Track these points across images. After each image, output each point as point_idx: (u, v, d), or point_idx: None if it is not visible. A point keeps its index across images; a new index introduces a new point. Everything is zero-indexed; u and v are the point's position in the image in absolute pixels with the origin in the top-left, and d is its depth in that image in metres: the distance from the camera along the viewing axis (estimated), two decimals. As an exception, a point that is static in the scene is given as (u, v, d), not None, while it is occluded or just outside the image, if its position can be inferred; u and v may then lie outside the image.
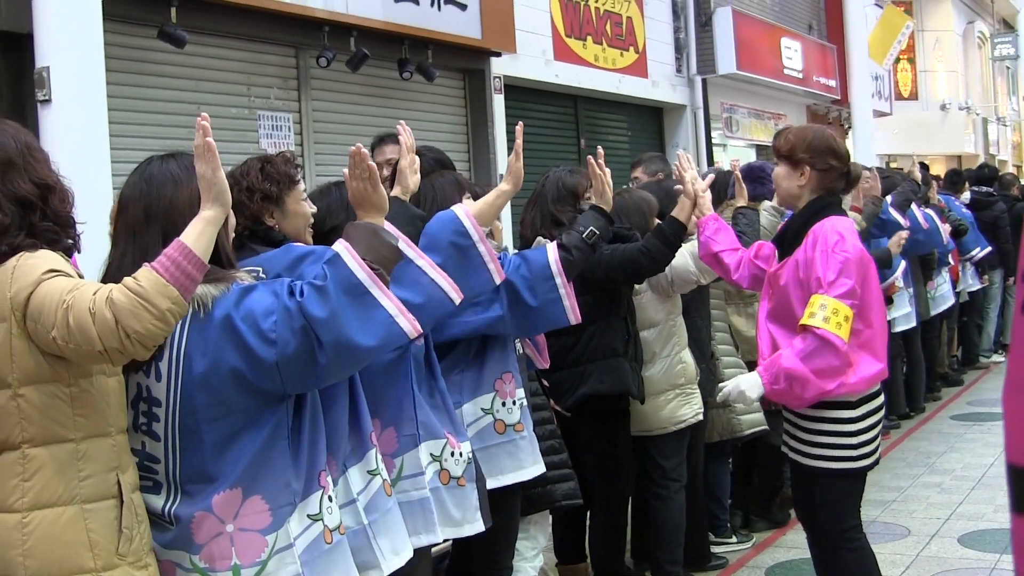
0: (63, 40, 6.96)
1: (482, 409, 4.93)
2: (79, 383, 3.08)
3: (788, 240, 5.11)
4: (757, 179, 7.39)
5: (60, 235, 3.14)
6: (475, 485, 4.50)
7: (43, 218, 3.11)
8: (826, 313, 4.69)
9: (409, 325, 3.33)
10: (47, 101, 6.91)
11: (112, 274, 3.32)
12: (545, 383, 5.75)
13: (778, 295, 5.03)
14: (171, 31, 8.64)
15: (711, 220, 5.53)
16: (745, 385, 4.89)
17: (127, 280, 2.89)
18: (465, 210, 4.46)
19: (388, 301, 3.29)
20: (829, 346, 4.72)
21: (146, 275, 2.89)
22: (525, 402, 5.06)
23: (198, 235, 3.00)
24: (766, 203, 7.03)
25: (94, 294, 2.88)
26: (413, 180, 4.24)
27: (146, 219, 3.41)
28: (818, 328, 4.71)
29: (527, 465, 5.01)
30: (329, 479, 3.62)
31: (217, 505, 3.34)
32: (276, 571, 3.37)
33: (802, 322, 4.78)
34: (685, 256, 6.00)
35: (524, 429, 5.00)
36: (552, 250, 4.93)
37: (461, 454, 4.44)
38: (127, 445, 3.25)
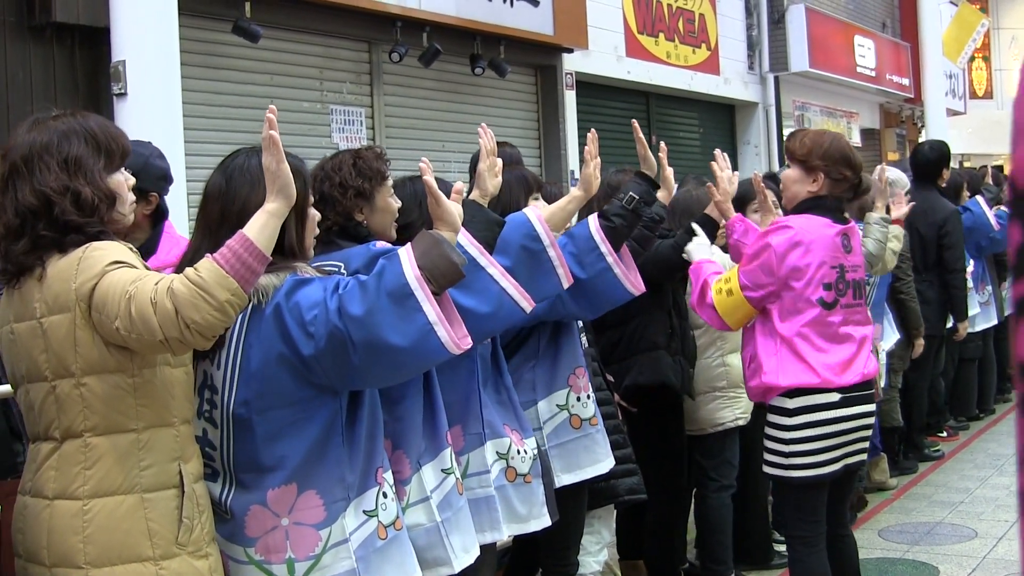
0: (139, 34, 7.05)
1: (557, 405, 4.92)
2: (142, 373, 3.10)
3: None
4: None
5: (64, 241, 3.11)
6: (541, 480, 4.50)
7: (48, 226, 3.12)
8: (725, 279, 5.01)
9: (448, 337, 3.25)
10: (123, 95, 7.00)
11: (184, 267, 3.34)
12: (610, 378, 5.74)
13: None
14: (245, 26, 8.72)
15: (737, 222, 5.37)
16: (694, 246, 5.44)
17: (188, 271, 2.91)
18: (537, 214, 4.43)
19: (431, 309, 3.22)
20: (703, 295, 5.08)
21: (207, 266, 2.91)
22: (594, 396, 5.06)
23: (260, 227, 3.01)
24: (872, 215, 6.97)
25: (156, 284, 2.91)
26: (493, 184, 4.16)
27: (221, 218, 3.44)
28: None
29: (602, 459, 5.01)
30: (387, 475, 3.63)
31: (272, 500, 3.36)
32: (331, 565, 3.39)
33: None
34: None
35: (598, 423, 5.00)
36: (593, 219, 4.85)
37: (527, 451, 4.44)
38: (191, 435, 3.27)
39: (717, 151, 5.78)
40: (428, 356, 3.31)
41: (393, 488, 3.66)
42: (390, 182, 4.16)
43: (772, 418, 4.97)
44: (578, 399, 4.94)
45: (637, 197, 4.91)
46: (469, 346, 3.38)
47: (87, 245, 3.06)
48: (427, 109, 10.98)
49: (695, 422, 6.32)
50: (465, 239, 3.71)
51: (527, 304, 3.91)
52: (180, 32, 7.42)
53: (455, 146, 10.70)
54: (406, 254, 3.28)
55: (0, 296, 3.25)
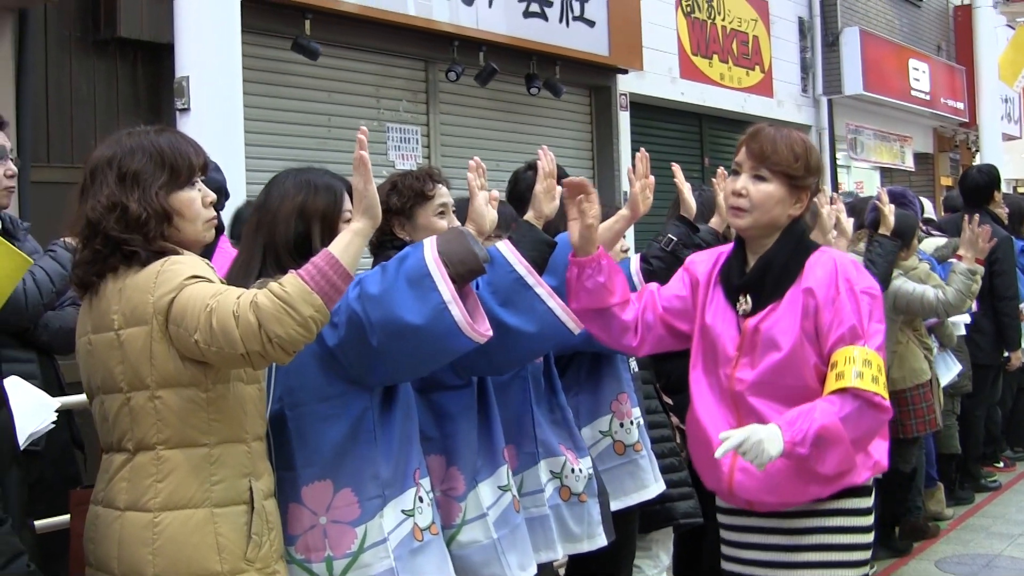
0: (203, 51, 7.11)
1: (600, 432, 4.89)
2: (216, 389, 3.12)
3: (771, 280, 3.79)
4: (900, 205, 7.22)
5: (110, 256, 3.15)
6: (597, 500, 4.50)
7: (102, 241, 3.14)
8: (872, 371, 3.55)
9: (463, 318, 3.26)
10: (186, 110, 7.06)
11: (233, 277, 3.43)
12: (668, 400, 5.72)
13: (766, 356, 3.75)
14: (305, 43, 8.80)
15: (592, 261, 3.91)
16: (764, 435, 3.45)
17: (272, 285, 2.93)
18: None
19: (446, 288, 3.25)
20: (874, 408, 3.56)
21: (292, 281, 2.93)
22: (642, 421, 5.02)
23: (345, 245, 3.03)
24: (960, 264, 6.90)
25: (238, 298, 2.93)
26: (550, 207, 4.19)
27: (256, 229, 3.56)
28: (864, 390, 3.52)
29: (649, 484, 4.97)
30: (424, 481, 3.64)
31: (308, 497, 3.39)
32: (371, 564, 3.41)
33: (842, 385, 3.54)
34: None
35: (643, 448, 4.95)
36: (635, 261, 4.90)
37: (582, 470, 4.44)
38: (264, 452, 3.29)
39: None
40: (444, 338, 3.30)
41: (431, 494, 3.67)
42: (437, 201, 4.21)
43: (845, 503, 3.83)
44: (621, 425, 4.90)
45: (676, 239, 4.98)
46: (489, 337, 3.40)
47: (165, 259, 3.09)
48: (482, 128, 11.01)
49: None
50: (514, 258, 3.72)
51: (575, 325, 3.86)
52: (242, 49, 7.48)
53: (509, 165, 10.67)
54: (428, 242, 3.34)
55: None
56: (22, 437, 3.47)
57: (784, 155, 3.77)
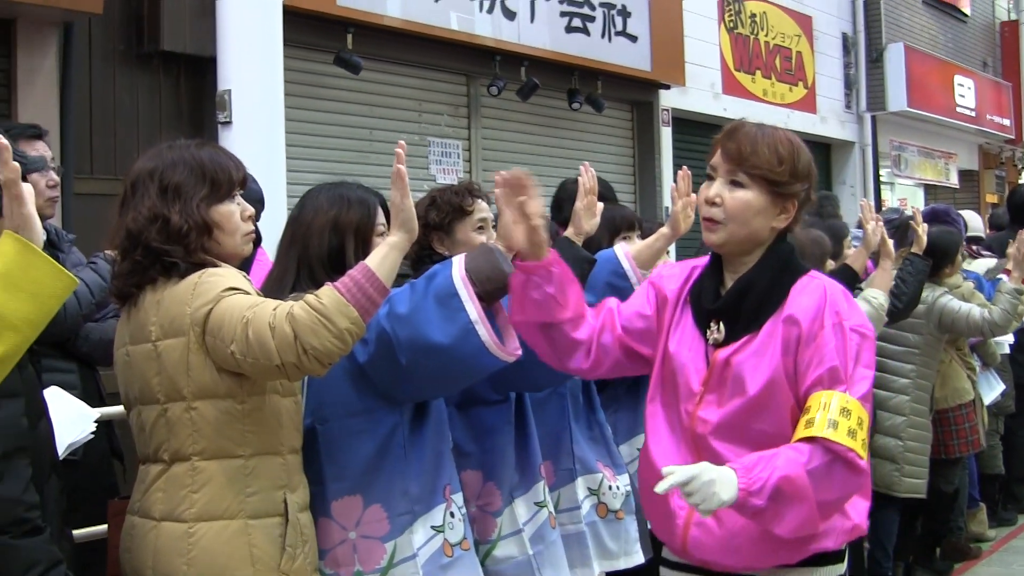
0: (245, 64, 7.15)
1: (638, 449, 4.86)
2: (252, 400, 3.14)
3: (749, 306, 3.21)
4: (942, 223, 7.17)
5: (149, 268, 3.17)
6: (635, 517, 4.47)
7: (142, 252, 3.16)
8: (850, 423, 2.97)
9: (489, 338, 3.27)
10: (227, 123, 7.10)
11: (269, 289, 3.45)
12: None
13: (736, 395, 3.18)
14: (347, 57, 8.83)
15: (540, 268, 3.30)
16: (716, 476, 2.89)
17: (308, 297, 2.94)
18: (625, 251, 4.42)
19: (473, 308, 3.25)
20: (848, 468, 2.98)
21: (328, 294, 2.93)
22: None
23: (382, 259, 3.03)
24: (1007, 283, 6.85)
25: (274, 310, 2.94)
26: (590, 224, 4.19)
27: (290, 243, 3.59)
28: (837, 443, 2.94)
29: None
30: (456, 497, 3.64)
31: (337, 511, 3.41)
32: None
33: (811, 433, 2.96)
34: None
35: None
36: (622, 246, 4.85)
37: (619, 487, 4.42)
38: (299, 465, 3.30)
39: (862, 200, 5.53)
40: (472, 358, 3.31)
41: (463, 510, 3.67)
42: (476, 216, 4.21)
43: (824, 573, 3.31)
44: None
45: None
46: (518, 356, 3.40)
47: (203, 271, 3.11)
48: (524, 143, 11.01)
49: None
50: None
51: None
52: (284, 63, 7.51)
53: (550, 180, 10.66)
54: (457, 260, 3.34)
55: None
56: (61, 447, 3.49)
57: (765, 157, 3.14)
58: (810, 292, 3.16)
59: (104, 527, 3.77)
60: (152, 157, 3.26)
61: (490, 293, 3.35)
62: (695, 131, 13.36)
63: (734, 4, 13.99)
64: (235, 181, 3.29)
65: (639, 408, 4.77)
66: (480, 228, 4.21)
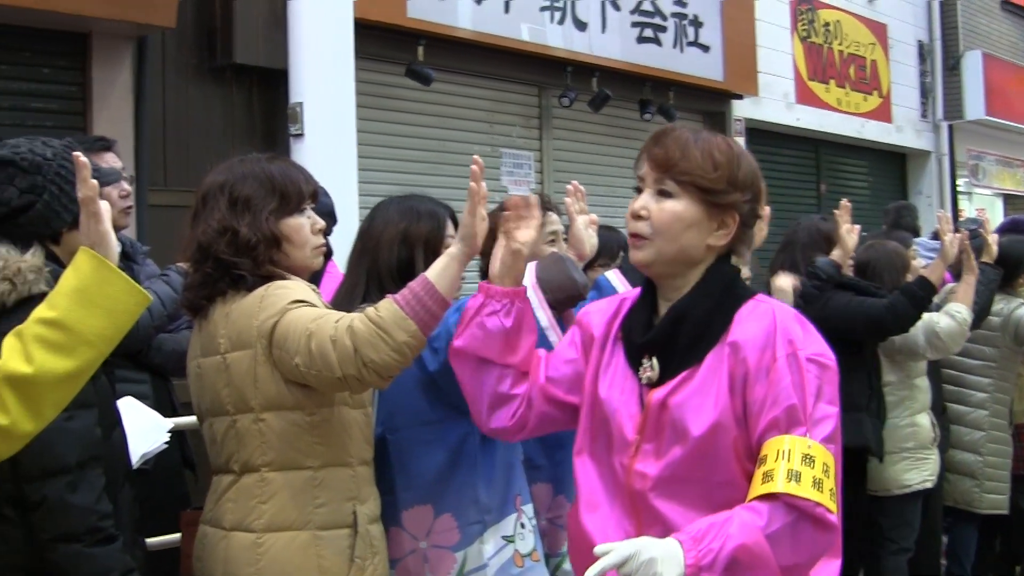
0: (317, 77, 7.19)
1: None
2: (320, 412, 3.15)
3: (686, 338, 2.75)
4: (1020, 232, 7.06)
5: (219, 280, 3.20)
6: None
7: (213, 264, 3.19)
8: (814, 472, 2.54)
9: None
10: (299, 135, 7.14)
11: (339, 303, 3.47)
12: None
13: (676, 443, 2.70)
14: (418, 69, 8.85)
15: (504, 295, 2.97)
16: (658, 552, 2.47)
17: (368, 310, 2.95)
18: None
19: (543, 315, 3.30)
20: (816, 525, 2.55)
21: (387, 307, 2.94)
22: None
23: (441, 270, 3.02)
24: None
25: (336, 322, 2.96)
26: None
27: (360, 255, 3.62)
28: (801, 498, 2.51)
29: None
30: (526, 507, 3.64)
31: (408, 521, 3.43)
32: None
33: (770, 489, 2.53)
34: (917, 327, 5.81)
35: None
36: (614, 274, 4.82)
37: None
38: (370, 477, 3.31)
39: (940, 212, 5.49)
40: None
41: (533, 521, 3.67)
42: (547, 229, 4.20)
43: None
44: None
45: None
46: None
47: (270, 283, 3.13)
48: (595, 154, 10.99)
49: (879, 482, 6.13)
50: (621, 286, 3.79)
51: None
52: (356, 75, 7.54)
53: (623, 191, 10.68)
54: (529, 268, 3.35)
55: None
56: (135, 457, 3.52)
57: (696, 161, 2.72)
58: (757, 317, 2.70)
59: (176, 536, 3.81)
60: (223, 171, 3.29)
61: (560, 302, 3.35)
62: (768, 141, 13.29)
63: (807, 13, 13.89)
64: (305, 194, 3.31)
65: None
66: (551, 240, 4.19)
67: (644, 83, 11.03)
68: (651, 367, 2.75)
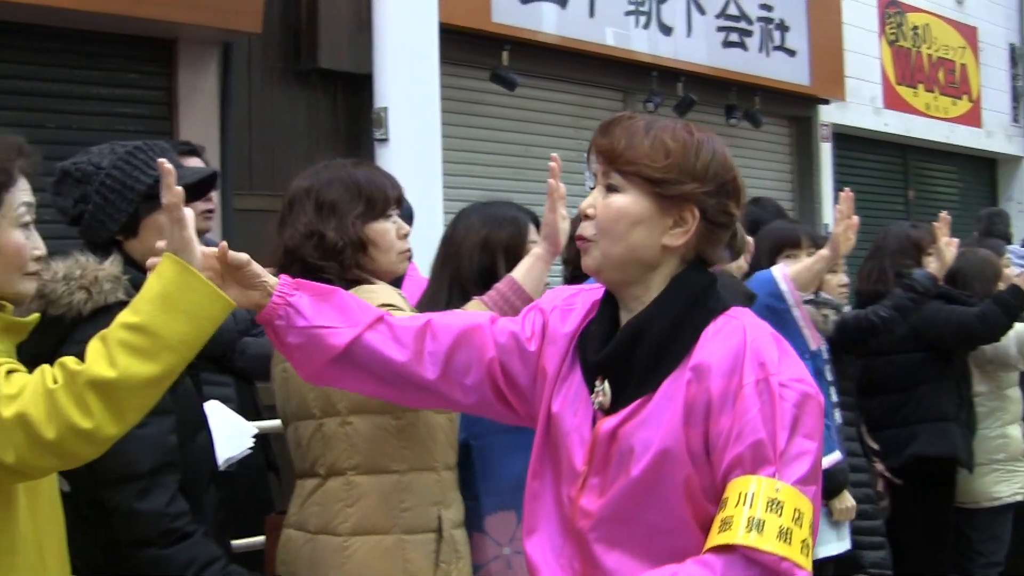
0: (401, 81, 7.20)
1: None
2: (406, 416, 3.14)
3: (643, 359, 2.35)
4: None
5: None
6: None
7: (300, 268, 3.19)
8: (782, 521, 2.12)
9: None
10: (384, 140, 7.15)
11: (424, 307, 3.46)
12: (873, 445, 5.54)
13: (623, 479, 2.31)
14: (503, 74, 8.84)
15: (275, 312, 2.53)
16: None
17: (458, 310, 2.95)
18: (783, 272, 4.35)
19: None
20: None
21: (475, 307, 2.96)
22: None
23: (527, 270, 3.06)
24: None
25: None
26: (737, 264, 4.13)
27: (443, 261, 3.64)
28: (761, 551, 2.10)
29: (829, 541, 4.81)
30: None
31: (491, 527, 3.42)
32: None
33: (727, 540, 2.13)
34: (1009, 337, 5.71)
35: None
36: (779, 268, 4.68)
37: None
38: (454, 482, 3.30)
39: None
40: None
41: None
42: None
43: None
44: None
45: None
46: None
47: (357, 287, 3.14)
48: (680, 159, 10.93)
49: (968, 494, 6.02)
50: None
51: None
52: (440, 79, 7.54)
53: (707, 196, 10.65)
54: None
55: None
56: (220, 460, 3.53)
57: (642, 150, 2.35)
58: (725, 336, 2.30)
59: (259, 539, 3.81)
60: (309, 176, 3.31)
61: None
62: (856, 147, 13.17)
63: (896, 16, 13.74)
64: (390, 199, 3.32)
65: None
66: None
67: (729, 88, 10.97)
68: (603, 391, 2.37)
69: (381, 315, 2.55)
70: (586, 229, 2.40)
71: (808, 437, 2.20)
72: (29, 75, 6.69)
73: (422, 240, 4.49)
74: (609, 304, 2.46)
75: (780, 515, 2.11)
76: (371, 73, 7.44)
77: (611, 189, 2.38)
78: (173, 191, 2.43)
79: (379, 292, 3.14)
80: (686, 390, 2.26)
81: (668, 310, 2.34)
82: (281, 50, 7.82)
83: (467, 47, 8.68)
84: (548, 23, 9.26)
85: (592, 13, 9.62)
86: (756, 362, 2.23)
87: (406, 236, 3.36)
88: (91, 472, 2.73)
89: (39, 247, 2.58)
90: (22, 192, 2.54)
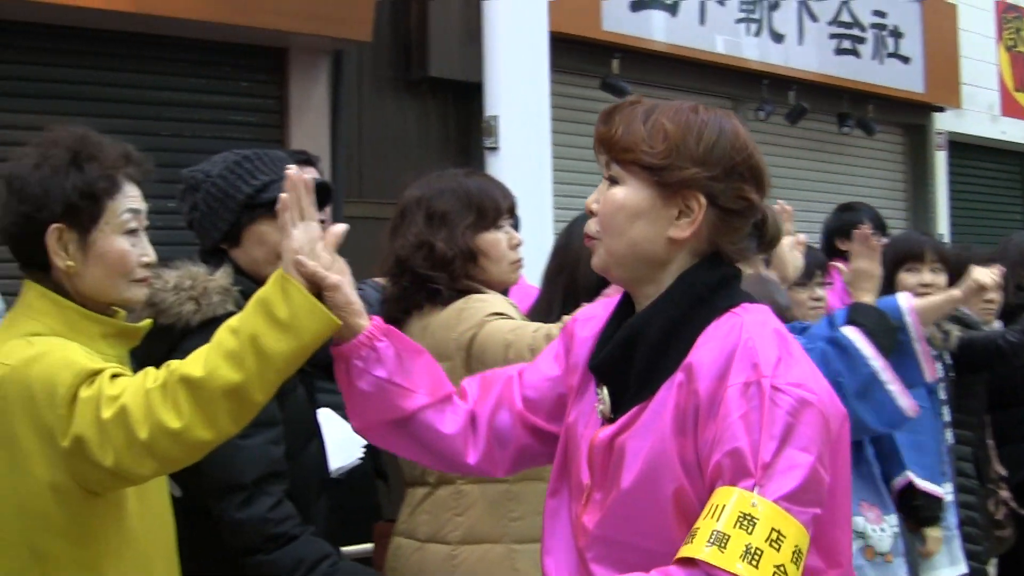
0: (512, 90, 7.19)
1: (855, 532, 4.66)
2: (516, 425, 3.12)
3: (641, 363, 2.15)
4: None
5: (416, 294, 3.22)
6: (904, 560, 4.28)
7: (410, 278, 3.22)
8: (753, 539, 1.87)
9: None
10: (495, 148, 7.13)
11: (536, 317, 3.43)
12: (1001, 471, 5.39)
13: (615, 492, 2.13)
14: (613, 82, 8.81)
15: (359, 348, 2.33)
16: None
17: (565, 319, 2.93)
18: (910, 303, 4.20)
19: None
20: None
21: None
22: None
23: None
24: None
25: (534, 332, 2.97)
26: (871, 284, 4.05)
27: (557, 271, 3.58)
28: (722, 571, 1.87)
29: (932, 568, 4.71)
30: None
31: None
32: None
33: (689, 553, 1.91)
34: None
35: (894, 560, 4.38)
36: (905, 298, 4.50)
37: (885, 528, 4.24)
38: None
39: None
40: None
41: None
42: None
43: None
44: (874, 530, 4.40)
45: None
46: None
47: (468, 296, 3.14)
48: (792, 168, 10.83)
49: None
50: (869, 351, 3.64)
51: (911, 413, 3.78)
52: (551, 88, 7.53)
53: (820, 206, 10.50)
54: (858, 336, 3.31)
55: None
56: (331, 469, 3.54)
57: (639, 135, 2.15)
58: (723, 335, 2.07)
59: (368, 546, 3.83)
60: (421, 185, 3.33)
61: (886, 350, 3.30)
62: (972, 155, 12.96)
63: (1014, 21, 13.49)
64: (502, 209, 3.34)
65: (914, 435, 4.55)
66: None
67: (842, 95, 10.85)
68: (603, 399, 2.20)
69: (451, 393, 2.41)
70: (591, 226, 2.24)
71: (803, 450, 1.94)
72: (143, 84, 6.80)
73: (531, 248, 4.48)
74: (625, 306, 2.27)
75: (751, 533, 1.86)
76: (481, 82, 7.44)
77: (612, 181, 2.20)
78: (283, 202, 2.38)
79: (491, 301, 3.15)
80: (676, 394, 2.05)
81: (668, 309, 2.14)
82: (391, 59, 7.87)
83: (577, 55, 8.66)
84: (658, 31, 9.23)
85: (703, 21, 9.57)
86: (748, 363, 2.00)
87: (518, 246, 3.35)
88: (200, 481, 2.76)
89: (148, 253, 2.59)
90: (128, 199, 2.56)
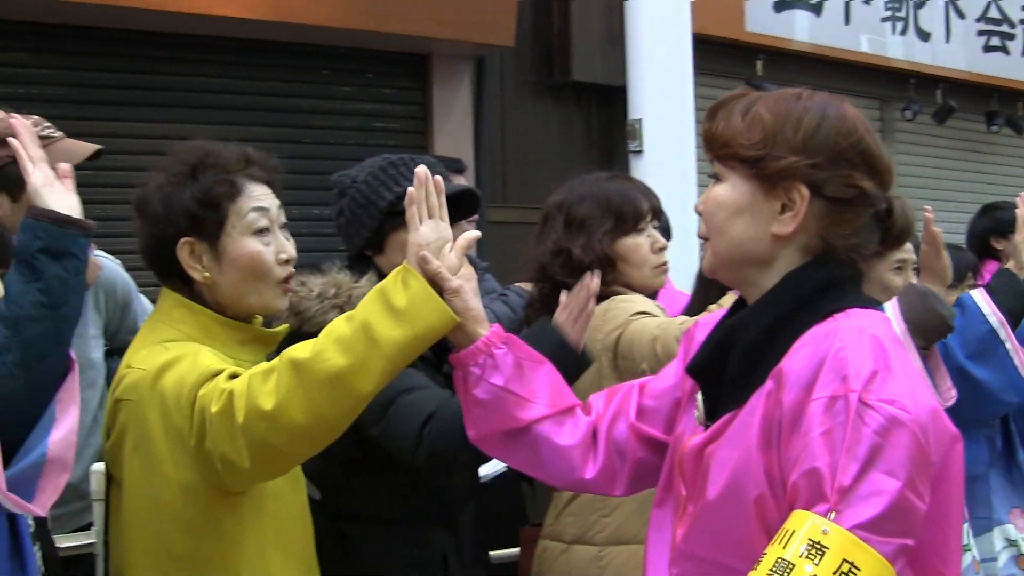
0: (655, 93, 7.19)
1: (1007, 540, 4.55)
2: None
3: (735, 368, 2.01)
4: None
5: (555, 298, 3.19)
6: (1061, 567, 4.19)
7: (548, 284, 3.23)
8: (817, 569, 1.68)
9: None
10: (639, 152, 7.14)
11: (689, 313, 3.46)
12: None
13: (701, 504, 1.98)
14: (757, 84, 8.73)
15: (475, 355, 2.26)
16: None
17: (711, 305, 2.94)
18: (987, 298, 4.04)
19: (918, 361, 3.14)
20: None
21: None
22: None
23: None
24: None
25: (681, 324, 2.95)
26: None
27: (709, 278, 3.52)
28: None
29: None
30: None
31: None
32: None
33: None
34: None
35: None
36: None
37: (1040, 534, 4.14)
38: None
39: None
40: None
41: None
42: (895, 256, 3.98)
43: None
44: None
45: None
46: (953, 400, 3.21)
47: (612, 298, 3.13)
48: (940, 168, 10.67)
49: None
50: (988, 308, 3.54)
51: None
52: (695, 90, 7.51)
53: (968, 207, 10.31)
54: (893, 308, 3.19)
55: None
56: (480, 474, 3.56)
57: (736, 128, 2.02)
58: (817, 341, 1.89)
59: (514, 550, 3.84)
60: (563, 191, 3.34)
61: (930, 341, 3.21)
62: None
63: None
64: (643, 213, 3.31)
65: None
66: (898, 269, 3.87)
67: (991, 94, 10.67)
68: (698, 405, 2.08)
69: (574, 405, 2.30)
70: (700, 229, 2.10)
71: (889, 474, 1.73)
72: (287, 92, 6.93)
73: (678, 251, 4.47)
74: (737, 308, 2.12)
75: (818, 563, 1.68)
76: (624, 85, 7.45)
77: (716, 179, 2.07)
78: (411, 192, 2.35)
79: (635, 301, 3.15)
80: (765, 403, 1.89)
81: (767, 311, 1.99)
82: (534, 64, 7.90)
83: (721, 57, 8.64)
84: (802, 31, 9.17)
85: (847, 20, 9.49)
86: (837, 374, 1.80)
87: (662, 250, 3.32)
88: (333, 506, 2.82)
89: (285, 250, 2.58)
90: (252, 199, 2.55)
